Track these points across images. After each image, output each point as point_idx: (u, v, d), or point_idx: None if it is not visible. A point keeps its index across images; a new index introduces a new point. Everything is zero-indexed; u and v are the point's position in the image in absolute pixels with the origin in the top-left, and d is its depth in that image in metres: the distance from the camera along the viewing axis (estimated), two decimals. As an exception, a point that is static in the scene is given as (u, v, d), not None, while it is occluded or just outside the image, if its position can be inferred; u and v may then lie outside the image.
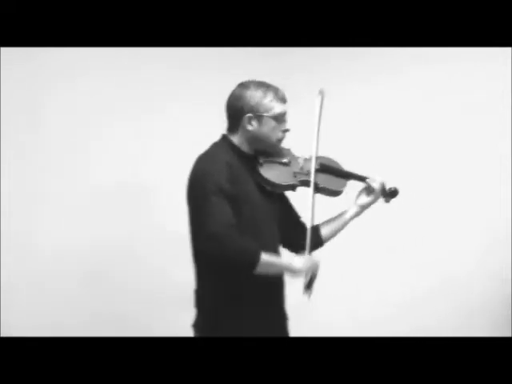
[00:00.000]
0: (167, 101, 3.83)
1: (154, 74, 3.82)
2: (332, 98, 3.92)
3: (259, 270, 2.23)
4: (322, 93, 2.52)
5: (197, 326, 2.42)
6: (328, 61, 3.97)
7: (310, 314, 3.72)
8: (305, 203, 2.47)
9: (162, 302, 3.76)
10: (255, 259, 2.21)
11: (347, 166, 2.66)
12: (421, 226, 3.91)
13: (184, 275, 3.78)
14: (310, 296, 2.37)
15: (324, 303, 3.71)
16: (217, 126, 3.70)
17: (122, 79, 3.78)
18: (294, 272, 2.32)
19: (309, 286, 2.36)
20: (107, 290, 3.71)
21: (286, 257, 2.46)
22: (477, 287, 3.88)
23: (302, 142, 2.50)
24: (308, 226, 2.44)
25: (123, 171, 3.76)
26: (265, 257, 2.24)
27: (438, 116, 3.93)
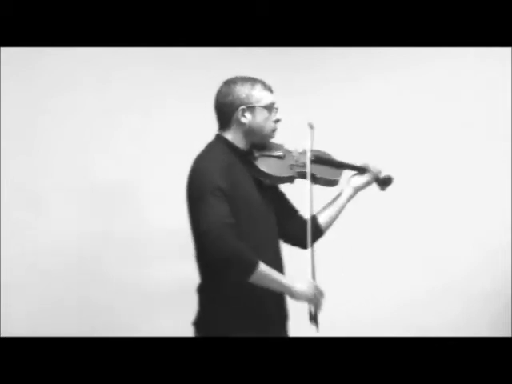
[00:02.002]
0: (167, 101, 3.84)
1: (154, 74, 3.82)
2: (332, 97, 3.98)
3: (255, 278, 2.21)
4: (311, 126, 2.54)
5: (197, 324, 2.43)
6: (328, 61, 3.97)
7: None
8: (301, 196, 2.47)
9: (167, 302, 3.77)
10: (253, 264, 2.19)
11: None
12: (421, 226, 3.92)
13: (183, 274, 3.80)
14: (317, 327, 2.33)
15: (324, 304, 3.71)
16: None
17: (122, 79, 3.78)
18: (292, 295, 2.30)
19: (315, 316, 2.32)
20: (108, 290, 3.71)
21: (289, 271, 2.47)
22: (477, 287, 3.88)
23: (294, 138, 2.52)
24: (308, 226, 2.43)
25: (123, 171, 3.76)
26: (264, 266, 2.22)
27: (438, 116, 3.93)
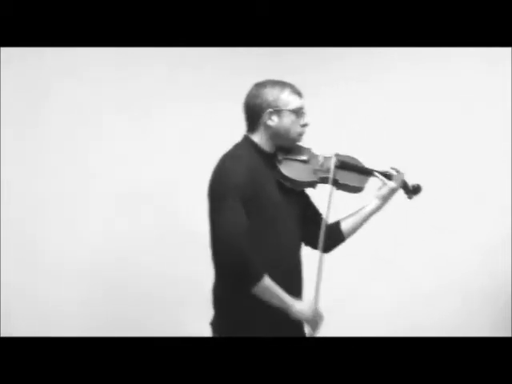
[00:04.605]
0: (167, 101, 3.84)
1: (154, 74, 3.83)
2: (332, 98, 3.97)
3: (258, 290, 2.24)
4: (337, 157, 2.51)
5: (213, 324, 2.44)
6: (328, 61, 3.97)
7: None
8: (323, 202, 2.47)
9: (162, 302, 3.77)
10: (258, 276, 2.22)
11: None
12: (422, 225, 3.91)
13: (183, 274, 3.80)
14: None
15: (323, 303, 3.71)
16: (218, 126, 3.70)
17: (122, 79, 3.78)
18: (292, 314, 2.33)
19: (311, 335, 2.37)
20: (107, 290, 3.71)
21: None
22: (477, 287, 3.88)
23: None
24: (322, 230, 2.43)
25: (123, 171, 3.76)
26: (269, 281, 2.25)
27: (439, 116, 3.93)
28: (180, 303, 3.77)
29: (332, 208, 2.45)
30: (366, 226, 3.79)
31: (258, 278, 2.23)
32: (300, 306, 2.33)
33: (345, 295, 3.85)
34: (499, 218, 3.88)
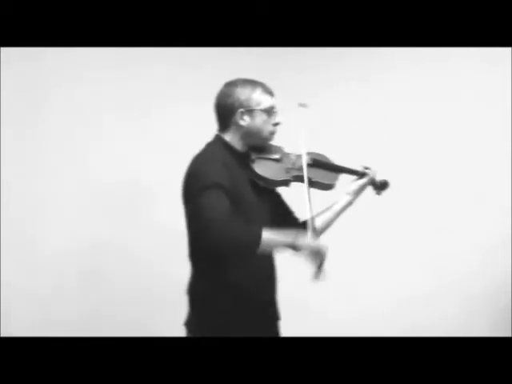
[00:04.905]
0: (167, 101, 3.84)
1: (154, 74, 3.83)
2: (332, 98, 3.97)
3: (262, 246, 2.21)
4: (302, 105, 2.53)
5: (188, 324, 2.44)
6: (328, 61, 3.97)
7: (308, 314, 3.72)
8: (298, 199, 2.47)
9: (162, 302, 3.77)
10: (258, 237, 2.20)
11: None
12: (422, 225, 3.91)
13: (184, 275, 3.79)
14: (323, 277, 2.29)
15: (322, 303, 3.72)
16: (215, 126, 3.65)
17: (122, 79, 3.78)
18: (295, 248, 2.27)
19: (319, 268, 2.30)
20: (107, 290, 3.71)
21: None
22: (477, 287, 3.88)
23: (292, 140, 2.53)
24: (308, 215, 2.42)
25: (123, 171, 3.76)
26: (266, 234, 2.22)
27: (438, 116, 3.93)
28: (180, 303, 3.76)
29: (306, 205, 2.43)
30: (365, 226, 3.83)
31: (259, 237, 2.20)
32: (304, 239, 2.27)
33: (344, 295, 3.85)
34: (499, 217, 3.88)
